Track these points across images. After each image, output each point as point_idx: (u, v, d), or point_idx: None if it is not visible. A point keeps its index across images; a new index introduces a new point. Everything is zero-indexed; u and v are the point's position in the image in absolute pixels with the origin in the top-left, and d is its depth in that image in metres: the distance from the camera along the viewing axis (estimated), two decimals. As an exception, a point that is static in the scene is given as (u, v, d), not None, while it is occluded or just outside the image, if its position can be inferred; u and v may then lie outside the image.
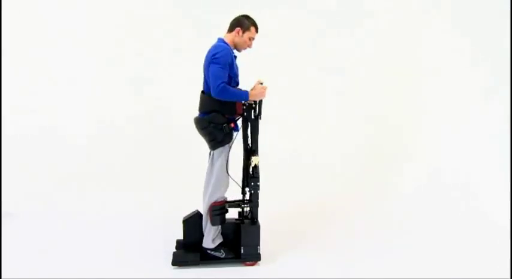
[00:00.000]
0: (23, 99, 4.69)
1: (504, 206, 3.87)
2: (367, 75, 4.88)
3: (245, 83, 2.81)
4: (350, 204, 4.05)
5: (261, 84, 2.71)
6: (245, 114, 2.74)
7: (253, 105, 2.74)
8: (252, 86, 2.72)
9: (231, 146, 2.72)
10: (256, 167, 2.76)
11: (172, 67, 4.75)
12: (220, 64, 2.53)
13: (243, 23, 2.67)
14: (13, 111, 4.63)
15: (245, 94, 2.62)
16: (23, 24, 4.64)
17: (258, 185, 2.80)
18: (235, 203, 2.88)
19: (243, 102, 2.69)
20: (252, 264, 2.80)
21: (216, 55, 2.54)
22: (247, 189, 2.85)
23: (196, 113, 2.75)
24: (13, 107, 4.63)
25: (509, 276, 2.69)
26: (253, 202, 2.82)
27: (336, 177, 4.51)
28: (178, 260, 2.75)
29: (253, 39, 2.73)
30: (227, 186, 2.76)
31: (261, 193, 2.84)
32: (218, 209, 2.70)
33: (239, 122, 2.79)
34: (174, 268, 2.75)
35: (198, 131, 2.71)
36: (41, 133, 4.63)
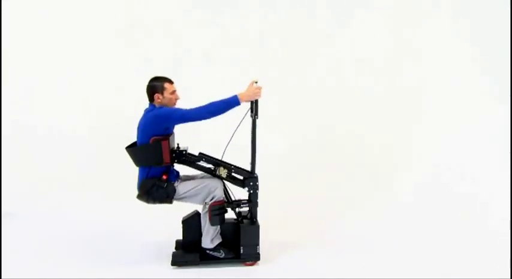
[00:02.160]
0: (23, 99, 4.69)
1: (504, 206, 3.86)
2: (366, 76, 4.87)
3: (244, 84, 2.79)
4: (350, 204, 4.05)
5: (256, 83, 2.68)
6: (176, 161, 2.71)
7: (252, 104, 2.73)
8: (247, 86, 2.68)
9: (181, 179, 2.76)
10: (228, 176, 2.76)
11: (173, 67, 4.74)
12: (174, 112, 2.57)
13: (156, 87, 2.68)
14: (13, 111, 4.63)
15: (234, 100, 2.58)
16: (22, 24, 4.65)
17: (257, 185, 2.80)
18: (234, 203, 2.88)
19: (169, 149, 2.62)
20: (252, 264, 2.80)
21: (162, 111, 2.58)
22: (245, 189, 2.83)
23: None
24: (13, 107, 4.64)
25: (509, 276, 2.68)
26: (253, 201, 2.82)
27: (336, 177, 4.50)
28: (178, 260, 2.75)
29: (175, 91, 2.73)
30: (222, 185, 2.76)
31: (260, 193, 2.83)
32: (217, 209, 2.70)
33: (177, 166, 2.76)
34: (173, 268, 2.75)
35: (150, 203, 2.69)
36: (41, 133, 4.64)
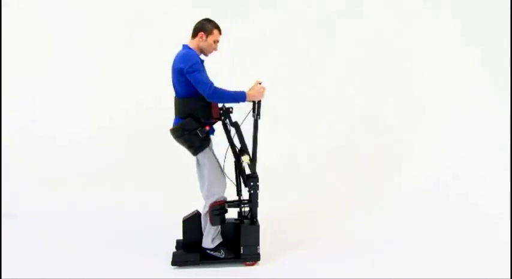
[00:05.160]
0: (23, 100, 4.69)
1: (504, 205, 3.87)
2: (366, 74, 4.88)
3: (244, 84, 2.80)
4: (350, 204, 4.05)
5: (260, 83, 2.70)
6: (222, 118, 2.72)
7: (254, 104, 2.74)
8: (251, 86, 2.70)
9: (212, 148, 2.73)
10: (248, 165, 2.77)
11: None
12: (198, 70, 2.53)
13: (206, 27, 2.65)
14: (13, 112, 4.63)
15: (242, 95, 2.60)
16: (22, 24, 4.65)
17: (258, 185, 2.80)
18: (234, 203, 2.88)
19: (219, 106, 2.68)
20: (252, 264, 2.80)
21: (191, 65, 2.52)
22: (246, 189, 2.84)
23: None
24: (13, 107, 4.64)
25: (509, 276, 2.68)
26: (253, 202, 2.82)
27: (336, 177, 4.51)
28: (178, 260, 2.75)
29: (218, 41, 2.71)
30: (225, 186, 2.76)
31: (261, 193, 2.84)
32: (218, 209, 2.70)
33: (216, 125, 2.76)
34: (173, 268, 2.75)
35: (176, 140, 2.69)
36: (41, 133, 4.64)
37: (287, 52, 4.87)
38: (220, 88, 2.56)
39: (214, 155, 2.75)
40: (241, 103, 2.67)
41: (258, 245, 2.78)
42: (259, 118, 2.76)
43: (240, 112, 2.89)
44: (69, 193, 4.16)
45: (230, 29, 4.78)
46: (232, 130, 2.78)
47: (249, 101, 2.67)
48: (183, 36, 4.78)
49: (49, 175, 4.36)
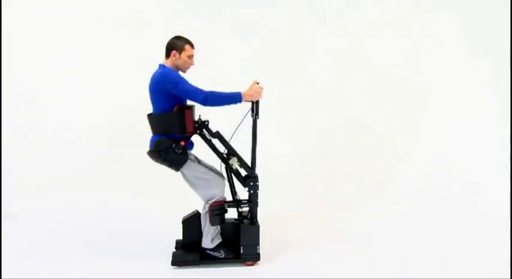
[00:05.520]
0: (23, 100, 4.69)
1: (504, 205, 3.86)
2: (366, 74, 4.88)
3: (242, 84, 2.79)
4: (350, 204, 4.05)
5: (257, 83, 2.68)
6: (198, 131, 2.70)
7: (253, 105, 2.74)
8: (248, 86, 2.68)
9: (195, 158, 2.74)
10: (239, 166, 2.76)
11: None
12: (181, 82, 2.53)
13: (177, 45, 2.65)
14: (13, 112, 4.63)
15: (237, 96, 2.59)
16: (22, 24, 4.65)
17: (258, 185, 2.80)
18: (234, 203, 2.88)
19: (196, 119, 2.67)
20: (252, 264, 2.80)
21: (172, 81, 2.52)
22: (245, 189, 2.84)
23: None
24: (13, 107, 4.64)
25: (509, 276, 2.68)
26: (253, 202, 2.82)
27: (336, 177, 4.51)
28: (178, 260, 2.75)
29: (193, 56, 2.71)
30: (223, 185, 2.75)
31: (261, 193, 2.83)
32: (217, 209, 2.70)
33: (194, 137, 2.75)
34: (173, 268, 2.74)
35: (156, 162, 2.68)
36: (41, 133, 4.64)
37: (285, 51, 4.86)
38: (213, 92, 2.55)
39: (201, 162, 2.76)
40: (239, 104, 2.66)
41: (258, 245, 2.78)
42: (258, 118, 2.75)
43: (240, 112, 2.89)
44: (69, 192, 4.16)
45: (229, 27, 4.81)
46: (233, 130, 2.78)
47: (247, 101, 2.66)
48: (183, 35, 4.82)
49: (49, 175, 4.36)
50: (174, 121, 2.59)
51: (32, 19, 4.66)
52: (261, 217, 2.90)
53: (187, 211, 2.95)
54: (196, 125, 2.69)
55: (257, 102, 2.72)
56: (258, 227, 2.80)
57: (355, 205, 4.02)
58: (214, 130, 2.73)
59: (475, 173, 4.31)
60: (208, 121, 2.72)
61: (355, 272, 2.72)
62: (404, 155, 4.66)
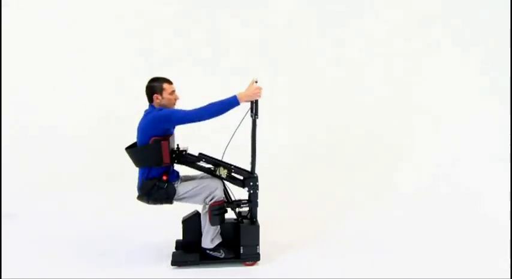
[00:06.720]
0: (23, 99, 4.69)
1: (504, 205, 3.86)
2: (366, 74, 4.88)
3: (242, 84, 2.79)
4: (350, 204, 4.05)
5: (256, 82, 2.66)
6: (176, 161, 2.70)
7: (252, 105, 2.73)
8: (248, 86, 2.67)
9: (183, 176, 2.78)
10: (228, 176, 2.76)
11: (173, 66, 4.75)
12: (172, 113, 2.56)
13: (155, 88, 2.67)
14: (13, 111, 4.63)
15: (233, 100, 2.58)
16: (22, 23, 4.65)
17: (257, 185, 2.79)
18: (234, 203, 2.87)
19: (173, 149, 2.67)
20: (252, 264, 2.80)
21: (165, 116, 2.55)
22: (244, 189, 2.84)
23: None
24: (13, 107, 4.64)
25: (509, 276, 2.68)
26: (253, 202, 2.82)
27: (336, 177, 4.51)
28: (178, 260, 2.75)
29: (174, 91, 2.72)
30: (221, 185, 2.75)
31: (261, 193, 2.83)
32: (217, 209, 2.70)
33: (177, 166, 2.75)
34: (173, 268, 2.74)
35: (148, 204, 2.70)
36: (41, 134, 4.64)
37: (285, 50, 4.86)
38: (205, 105, 2.55)
39: (189, 177, 2.80)
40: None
41: (258, 245, 2.78)
42: (257, 117, 2.74)
43: (240, 111, 2.88)
44: (69, 192, 4.16)
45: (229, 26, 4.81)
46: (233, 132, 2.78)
47: (245, 102, 2.64)
48: (182, 37, 4.82)
49: (49, 175, 4.36)
50: (151, 154, 2.59)
51: (31, 19, 4.66)
52: (260, 217, 2.90)
53: (187, 211, 2.95)
54: (174, 155, 2.69)
55: (256, 102, 2.70)
56: (257, 227, 2.80)
57: (355, 205, 4.02)
58: (197, 153, 2.74)
59: (475, 173, 4.31)
60: (186, 150, 2.73)
61: (355, 272, 2.72)
62: (404, 156, 4.66)
